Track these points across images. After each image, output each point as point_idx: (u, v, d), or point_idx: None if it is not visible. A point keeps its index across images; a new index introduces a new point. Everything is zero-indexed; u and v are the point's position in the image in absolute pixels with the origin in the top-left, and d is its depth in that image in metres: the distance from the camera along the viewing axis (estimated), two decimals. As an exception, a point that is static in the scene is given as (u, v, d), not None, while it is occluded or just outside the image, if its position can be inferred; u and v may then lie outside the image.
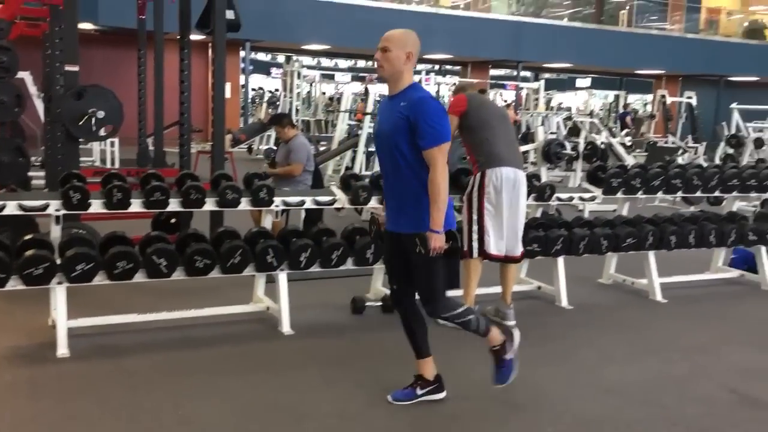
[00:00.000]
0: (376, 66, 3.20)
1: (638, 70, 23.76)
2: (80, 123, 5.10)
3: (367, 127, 9.60)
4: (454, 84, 16.39)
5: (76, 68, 5.14)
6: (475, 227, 4.36)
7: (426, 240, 3.06)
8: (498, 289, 4.70)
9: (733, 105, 12.96)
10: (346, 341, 4.27)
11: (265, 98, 20.33)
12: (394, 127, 3.11)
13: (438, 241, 3.06)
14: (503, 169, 4.36)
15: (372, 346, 4.15)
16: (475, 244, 4.36)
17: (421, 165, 3.10)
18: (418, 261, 3.16)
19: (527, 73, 25.28)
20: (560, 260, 5.09)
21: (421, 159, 3.09)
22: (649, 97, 25.78)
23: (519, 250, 4.54)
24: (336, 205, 4.74)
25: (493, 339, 3.35)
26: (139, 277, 3.93)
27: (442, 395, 3.39)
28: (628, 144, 13.07)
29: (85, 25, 15.65)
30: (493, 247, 4.36)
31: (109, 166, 11.01)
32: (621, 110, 21.38)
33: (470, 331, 3.32)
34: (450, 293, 3.28)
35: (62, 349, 3.80)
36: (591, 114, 19.58)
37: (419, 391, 3.36)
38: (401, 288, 3.34)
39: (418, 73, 22.21)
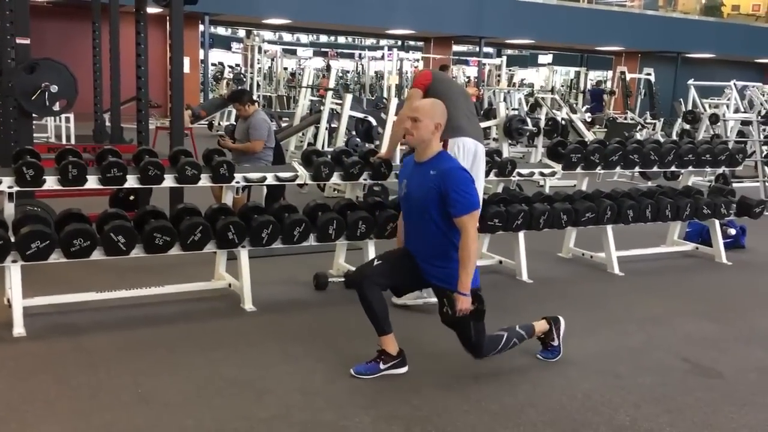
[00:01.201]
0: (406, 135, 3.43)
1: (599, 46, 23.98)
2: (33, 97, 4.97)
3: (330, 103, 9.54)
4: (417, 60, 16.35)
5: (27, 41, 4.99)
6: None
7: (454, 302, 3.23)
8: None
9: (690, 81, 13.19)
10: (309, 317, 4.27)
11: (228, 74, 19.92)
12: (425, 195, 3.34)
13: (465, 303, 3.23)
14: (464, 139, 4.40)
15: (335, 322, 4.17)
16: None
17: (448, 226, 3.33)
18: (451, 319, 3.33)
19: (489, 50, 25.32)
20: (521, 235, 5.16)
21: (449, 222, 3.31)
22: (610, 74, 26.06)
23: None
24: (298, 182, 4.71)
25: (539, 332, 3.69)
26: (97, 255, 3.87)
27: (404, 369, 3.43)
28: (588, 120, 13.23)
29: (37, -3, 15.18)
30: None
31: (64, 142, 10.76)
32: (589, 87, 21.50)
33: (519, 343, 3.57)
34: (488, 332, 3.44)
35: (18, 329, 3.73)
36: (552, 90, 19.72)
37: (382, 366, 3.39)
38: (385, 277, 3.38)
39: (381, 48, 22.12)
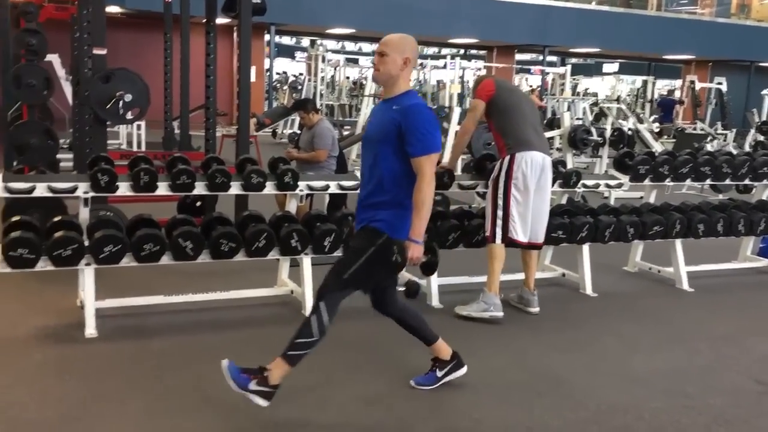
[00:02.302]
0: (373, 69, 3.15)
1: (667, 55, 23.37)
2: (108, 106, 5.14)
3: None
4: (479, 69, 16.26)
5: (103, 51, 5.17)
6: (500, 212, 4.33)
7: (404, 249, 2.98)
8: (521, 276, 4.68)
9: (765, 91, 12.70)
10: (370, 326, 4.27)
11: (288, 83, 20.23)
12: (383, 131, 3.06)
13: (417, 251, 3.00)
14: (532, 153, 4.32)
15: (395, 331, 4.13)
16: (499, 230, 4.33)
17: (403, 172, 3.03)
18: (355, 243, 3.13)
19: (553, 58, 25.01)
20: (585, 247, 5.05)
21: (405, 167, 3.02)
22: (678, 83, 25.36)
23: (542, 236, 4.51)
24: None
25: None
26: (166, 260, 3.98)
27: (463, 370, 3.39)
28: (656, 131, 12.89)
29: (113, 9, 15.77)
30: (519, 233, 4.34)
31: (135, 149, 11.11)
32: (658, 96, 20.92)
33: (297, 339, 3.13)
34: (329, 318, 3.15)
35: (90, 330, 3.86)
36: (618, 100, 19.29)
37: (439, 373, 3.37)
38: (377, 289, 3.31)
39: (443, 57, 22.10)
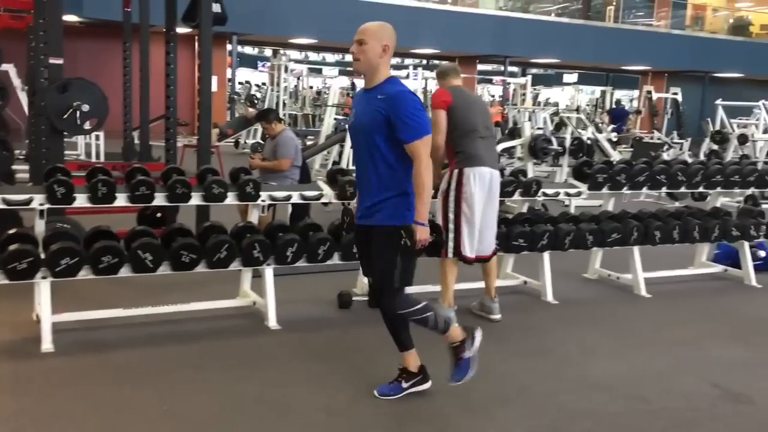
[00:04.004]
0: (352, 59, 3.17)
1: (624, 65, 23.88)
2: (65, 116, 5.06)
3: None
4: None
5: (60, 61, 5.09)
6: (451, 226, 4.30)
7: (412, 232, 3.05)
8: (482, 284, 4.72)
9: (718, 101, 13.05)
10: (333, 336, 4.27)
11: (246, 96, 19.68)
12: (371, 121, 3.09)
13: (423, 233, 3.06)
14: (481, 169, 4.32)
15: (358, 341, 4.16)
16: (451, 244, 4.31)
17: (397, 159, 3.09)
18: (381, 251, 3.15)
19: (514, 69, 25.33)
20: (546, 255, 5.12)
21: (398, 153, 3.08)
22: (635, 93, 25.91)
23: (490, 249, 4.53)
24: (323, 200, 4.74)
25: (452, 336, 3.33)
26: (125, 272, 3.92)
27: (427, 385, 3.41)
28: (614, 140, 13.14)
29: (70, 17, 15.52)
30: (467, 249, 4.33)
31: (94, 159, 10.93)
32: (612, 106, 21.32)
33: (428, 329, 3.29)
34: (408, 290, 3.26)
35: (46, 344, 3.77)
36: (578, 110, 19.61)
37: (404, 384, 3.37)
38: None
39: (406, 68, 22.21)
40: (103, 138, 11.33)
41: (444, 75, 4.58)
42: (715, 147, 11.82)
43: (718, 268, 6.19)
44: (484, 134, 4.43)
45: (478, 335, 3.38)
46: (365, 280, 4.94)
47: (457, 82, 4.56)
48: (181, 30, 6.70)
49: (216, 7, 5.72)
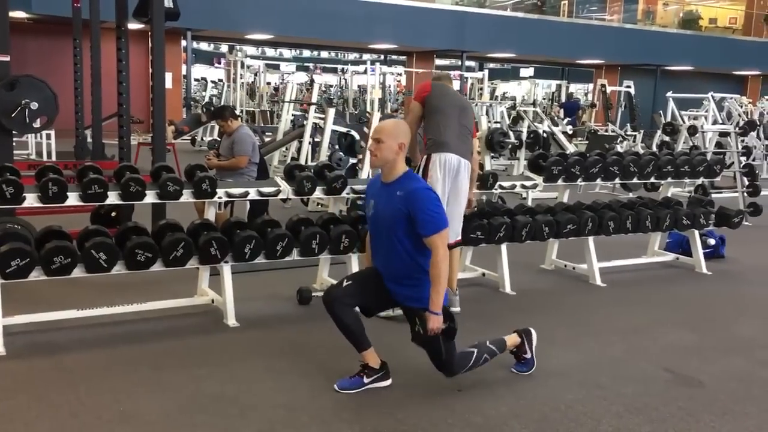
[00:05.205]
0: (369, 156, 3.42)
1: (579, 59, 24.24)
2: (13, 115, 4.94)
3: (313, 117, 9.55)
4: (400, 74, 16.42)
5: (7, 58, 4.96)
6: None
7: (426, 321, 3.21)
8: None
9: (669, 94, 13.35)
10: (293, 332, 4.26)
11: (203, 104, 18.91)
12: (392, 216, 3.31)
13: (437, 322, 3.21)
14: (447, 155, 4.42)
15: (318, 337, 4.16)
16: None
17: (416, 249, 3.31)
18: (423, 338, 3.30)
19: (472, 63, 25.51)
20: (503, 247, 5.18)
21: (417, 243, 3.29)
22: (590, 87, 26.33)
23: (453, 239, 4.58)
24: (281, 196, 4.72)
25: (511, 345, 3.65)
26: (78, 272, 3.84)
27: (388, 382, 3.44)
28: (569, 133, 13.35)
29: (17, 14, 15.11)
30: None
31: (45, 159, 10.69)
32: (564, 99, 21.66)
33: (491, 359, 3.55)
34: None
35: (-2, 348, 3.69)
36: (534, 103, 19.85)
37: (366, 380, 3.39)
38: (354, 297, 3.37)
39: (363, 63, 22.21)
40: (54, 137, 11.09)
41: (437, 79, 4.86)
42: (667, 139, 12.09)
43: (670, 257, 6.35)
44: (458, 127, 4.53)
45: (533, 336, 3.71)
46: (325, 275, 4.96)
47: (449, 84, 4.86)
48: (133, 26, 6.59)
49: (168, 2, 5.65)
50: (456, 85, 20.44)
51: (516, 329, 3.71)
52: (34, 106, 4.97)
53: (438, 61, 23.94)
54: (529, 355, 3.68)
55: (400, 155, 3.35)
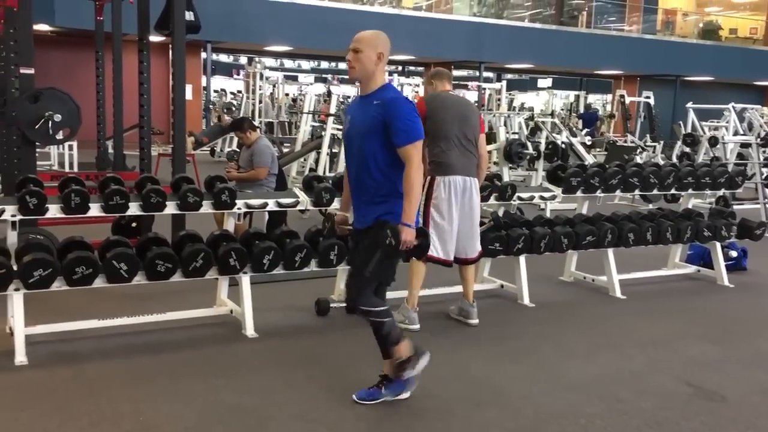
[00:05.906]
0: (347, 67, 3.24)
1: (598, 70, 24.14)
2: (36, 126, 5.01)
3: (331, 128, 9.59)
4: (417, 85, 16.44)
5: (31, 71, 5.04)
6: None
7: (398, 232, 3.09)
8: (460, 288, 4.75)
9: (689, 104, 13.25)
10: (311, 343, 4.27)
11: (218, 104, 19.35)
12: (367, 127, 3.17)
13: (409, 235, 3.11)
14: (453, 178, 4.42)
15: (337, 348, 4.16)
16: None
17: (391, 166, 3.17)
18: (367, 246, 3.19)
19: (489, 74, 25.50)
20: (522, 259, 5.16)
21: (392, 160, 3.16)
22: (609, 97, 26.20)
23: (475, 252, 4.60)
24: (299, 207, 4.74)
25: (400, 351, 3.29)
26: (99, 283, 3.88)
27: (406, 395, 3.41)
28: (588, 143, 13.29)
29: (41, 27, 15.35)
30: (439, 251, 4.41)
31: (67, 170, 10.82)
32: (583, 110, 21.56)
33: (381, 335, 3.27)
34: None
35: (20, 357, 3.72)
36: (552, 114, 19.78)
37: (384, 391, 3.37)
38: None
39: (382, 74, 22.25)
40: (76, 148, 11.22)
41: (434, 77, 4.72)
42: (687, 149, 12.00)
43: (691, 269, 6.28)
44: (459, 143, 4.48)
45: (425, 359, 3.34)
46: (343, 286, 4.96)
47: (446, 87, 4.69)
48: (155, 38, 6.66)
49: (189, 15, 5.71)
50: (473, 95, 20.56)
51: (416, 347, 3.36)
52: (58, 118, 5.03)
53: (456, 72, 23.94)
54: (408, 375, 3.30)
55: (380, 66, 3.19)
